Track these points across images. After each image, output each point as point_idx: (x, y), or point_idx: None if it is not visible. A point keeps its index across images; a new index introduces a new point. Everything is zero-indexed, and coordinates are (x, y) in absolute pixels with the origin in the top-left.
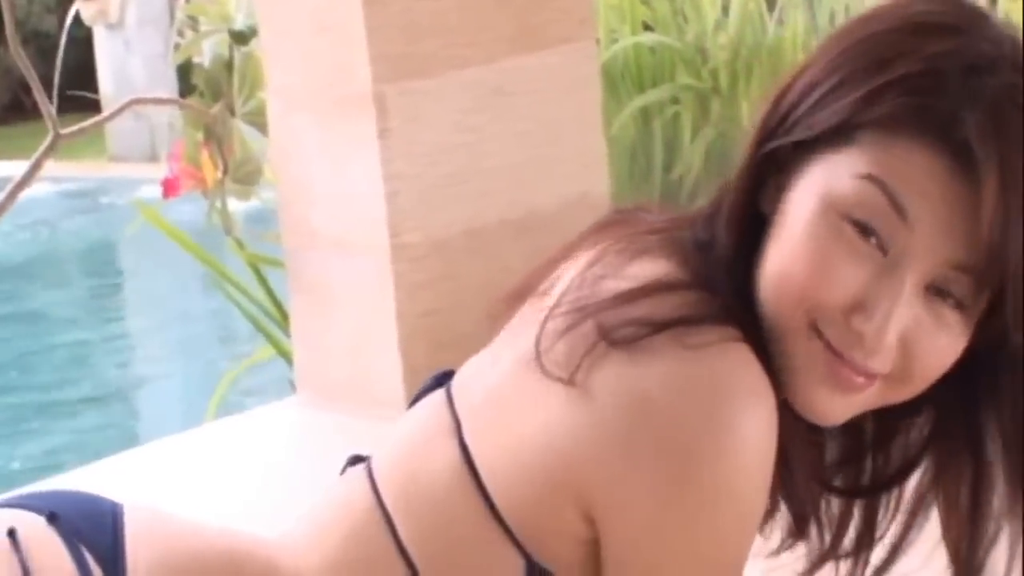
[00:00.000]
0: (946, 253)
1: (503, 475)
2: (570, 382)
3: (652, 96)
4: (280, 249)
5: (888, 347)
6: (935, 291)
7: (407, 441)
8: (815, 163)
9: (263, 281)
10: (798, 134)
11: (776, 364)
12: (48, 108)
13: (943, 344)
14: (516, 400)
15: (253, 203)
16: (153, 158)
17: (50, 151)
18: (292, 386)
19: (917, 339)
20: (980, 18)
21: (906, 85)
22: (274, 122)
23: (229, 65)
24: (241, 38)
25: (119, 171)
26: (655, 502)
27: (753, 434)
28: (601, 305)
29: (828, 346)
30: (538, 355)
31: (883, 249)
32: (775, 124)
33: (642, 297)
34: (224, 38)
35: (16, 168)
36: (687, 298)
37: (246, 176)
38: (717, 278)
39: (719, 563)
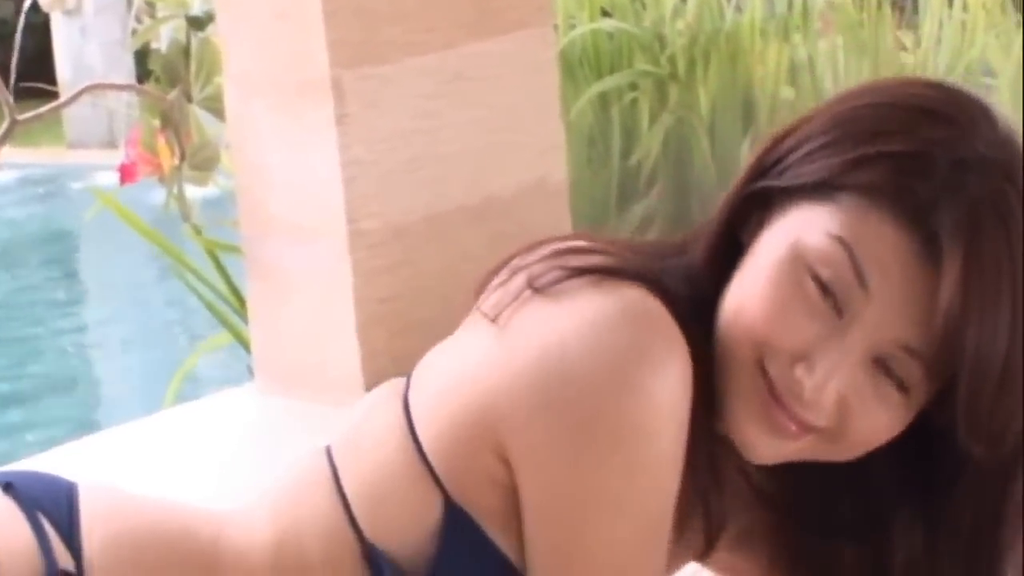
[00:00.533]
0: (898, 332)
1: (432, 416)
2: (494, 321)
3: (610, 82)
4: (238, 235)
5: (824, 404)
6: (881, 366)
7: (362, 412)
8: (795, 210)
9: (220, 267)
10: (786, 180)
11: (719, 388)
12: (4, 94)
13: (880, 418)
14: (453, 350)
15: (211, 190)
16: (111, 144)
17: (7, 137)
18: (250, 372)
19: (854, 406)
20: (983, 116)
21: (894, 161)
22: (231, 108)
23: (186, 51)
24: (198, 24)
25: (77, 158)
26: (567, 439)
27: (666, 373)
28: (534, 261)
29: (770, 387)
30: (476, 307)
31: (839, 311)
32: (769, 165)
33: (574, 254)
34: (181, 24)
35: None
36: (620, 260)
37: (203, 162)
38: (679, 289)
39: (635, 509)
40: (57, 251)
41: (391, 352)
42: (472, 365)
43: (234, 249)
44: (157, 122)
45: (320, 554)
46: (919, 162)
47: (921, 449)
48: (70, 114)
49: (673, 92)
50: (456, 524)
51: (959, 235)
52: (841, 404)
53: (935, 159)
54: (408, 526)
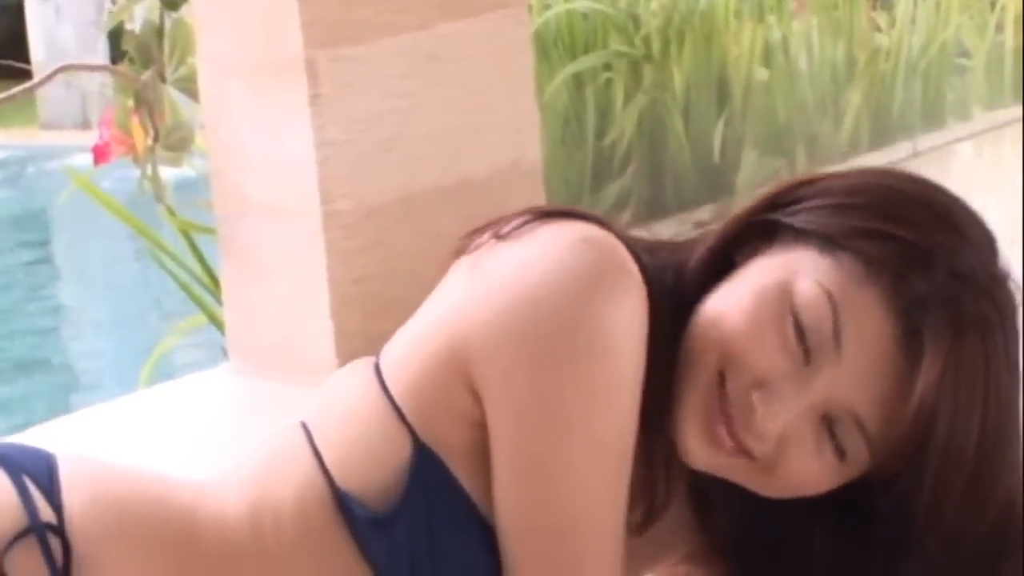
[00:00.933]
0: (854, 401)
1: (402, 363)
2: (461, 265)
3: (584, 63)
4: (212, 217)
5: (767, 436)
6: (827, 426)
7: (332, 380)
8: (797, 250)
9: (195, 248)
10: (798, 221)
11: (674, 384)
12: None
13: (813, 470)
14: (423, 309)
15: (185, 171)
16: (85, 125)
17: None
18: (225, 354)
19: (791, 449)
20: (989, 246)
21: (900, 246)
22: (205, 88)
23: (160, 31)
24: (172, 3)
25: (50, 138)
26: (529, 356)
27: (625, 295)
28: (506, 221)
29: (721, 400)
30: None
31: (807, 358)
32: (784, 202)
33: (541, 216)
34: (155, 4)
35: None
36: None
37: (177, 143)
38: (664, 277)
39: (597, 430)
40: (31, 233)
41: (365, 333)
42: (443, 311)
43: (208, 230)
44: (131, 103)
45: (293, 505)
46: (922, 256)
47: (864, 522)
48: (43, 95)
49: (647, 72)
50: (423, 464)
51: (943, 341)
52: (781, 442)
53: (936, 260)
54: (377, 469)
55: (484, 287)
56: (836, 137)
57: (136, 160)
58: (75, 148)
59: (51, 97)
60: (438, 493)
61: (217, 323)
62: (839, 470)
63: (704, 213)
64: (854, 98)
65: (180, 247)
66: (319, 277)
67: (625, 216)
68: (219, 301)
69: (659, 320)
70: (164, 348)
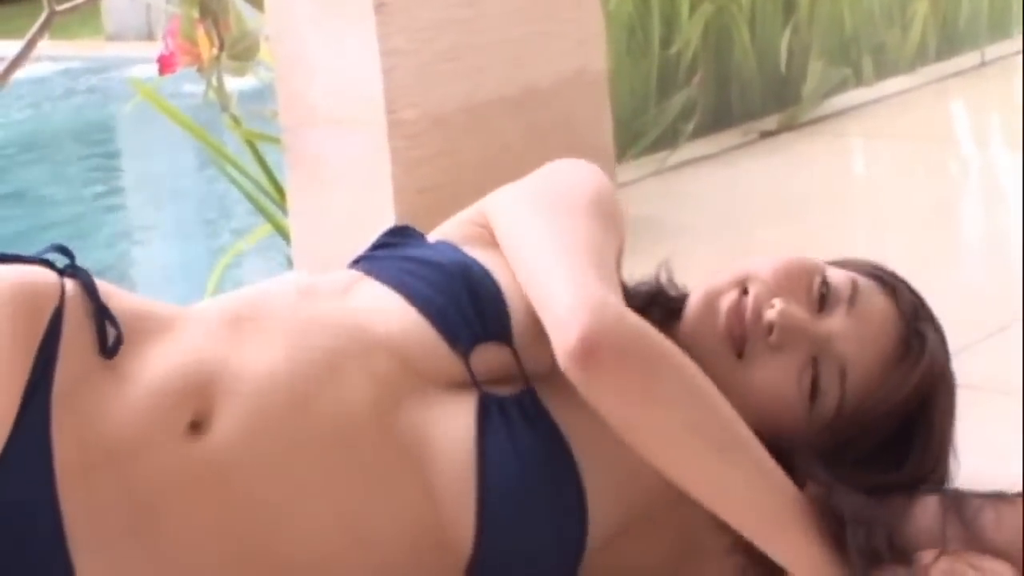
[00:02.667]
0: (847, 355)
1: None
2: None
3: None
4: (277, 127)
5: (773, 315)
6: (815, 366)
7: None
8: None
9: (260, 158)
10: None
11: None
12: None
13: (785, 385)
14: None
15: (250, 81)
16: (149, 36)
17: (45, 28)
18: (289, 263)
19: (777, 360)
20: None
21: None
22: None
23: None
24: None
25: (116, 50)
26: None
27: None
28: None
29: (738, 296)
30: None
31: (822, 306)
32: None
33: None
34: None
35: (13, 48)
36: None
37: (242, 52)
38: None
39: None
40: (96, 143)
41: None
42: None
43: (273, 140)
44: (196, 13)
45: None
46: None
47: None
48: (108, 6)
49: None
50: None
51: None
52: (772, 350)
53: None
54: None
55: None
56: (903, 47)
57: (201, 70)
58: (139, 59)
59: (116, 8)
60: None
61: (282, 232)
62: (804, 404)
63: (769, 123)
64: (921, 7)
65: (244, 157)
66: (384, 186)
67: (690, 126)
68: (284, 210)
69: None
70: (230, 257)
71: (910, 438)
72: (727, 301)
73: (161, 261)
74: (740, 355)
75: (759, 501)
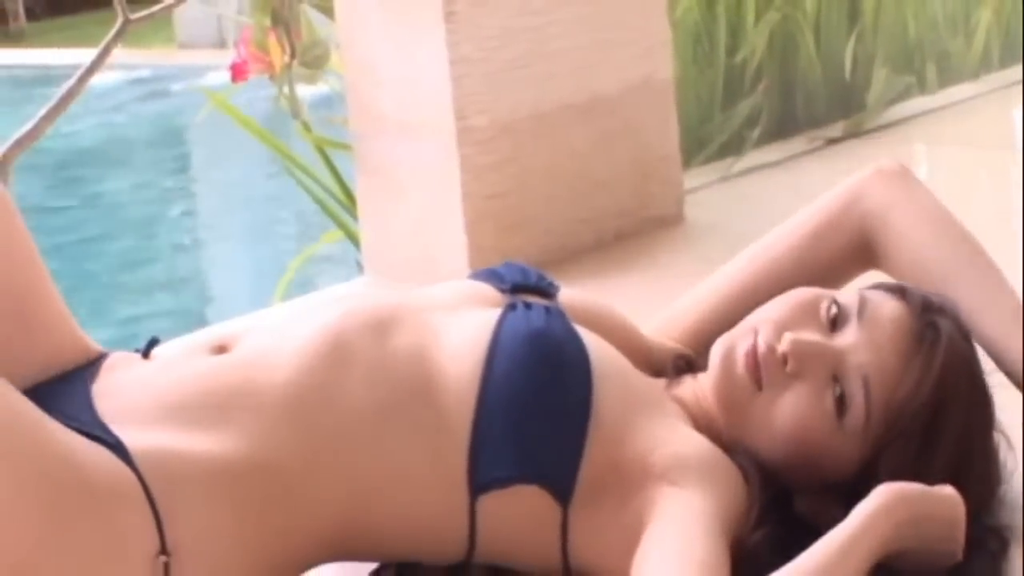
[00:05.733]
0: (865, 363)
1: None
2: None
3: None
4: (347, 133)
5: (785, 347)
6: (836, 382)
7: None
8: None
9: (330, 165)
10: None
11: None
12: None
13: (808, 409)
14: None
15: (320, 88)
16: (221, 45)
17: (119, 37)
18: (360, 268)
19: (796, 386)
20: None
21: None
22: (341, 6)
23: None
24: None
25: (187, 58)
26: None
27: None
28: None
29: (751, 340)
30: None
31: (833, 325)
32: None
33: None
34: None
35: (87, 56)
36: None
37: (313, 60)
38: None
39: None
40: (168, 151)
41: (498, 247)
42: None
43: (344, 146)
44: (268, 21)
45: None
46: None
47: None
48: (180, 15)
49: None
50: None
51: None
52: (789, 379)
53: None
54: None
55: None
56: (967, 55)
57: (273, 78)
58: (211, 67)
59: (188, 17)
60: None
61: (352, 238)
62: (833, 423)
63: (835, 131)
64: (985, 15)
65: (315, 163)
66: (453, 192)
67: (755, 133)
68: (354, 217)
69: None
70: (299, 263)
71: (940, 430)
72: (743, 347)
73: (230, 267)
74: (760, 389)
75: (998, 286)
